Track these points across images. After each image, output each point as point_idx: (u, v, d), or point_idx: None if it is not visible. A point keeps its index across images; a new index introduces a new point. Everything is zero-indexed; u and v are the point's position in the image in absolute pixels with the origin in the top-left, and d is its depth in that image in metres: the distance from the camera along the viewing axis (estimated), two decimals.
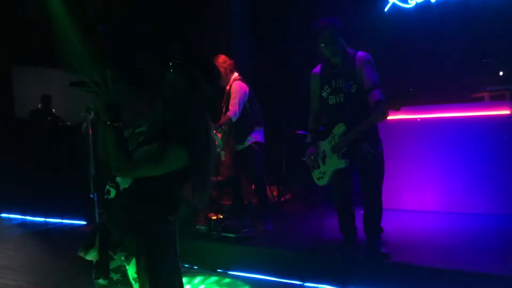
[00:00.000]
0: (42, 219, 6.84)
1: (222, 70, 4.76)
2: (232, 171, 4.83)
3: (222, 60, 4.79)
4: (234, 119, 4.69)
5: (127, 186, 1.91)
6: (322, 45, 3.58)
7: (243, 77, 4.88)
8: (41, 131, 8.24)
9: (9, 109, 8.66)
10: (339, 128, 3.57)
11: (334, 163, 3.65)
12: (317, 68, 3.84)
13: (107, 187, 1.96)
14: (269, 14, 7.14)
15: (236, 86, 4.76)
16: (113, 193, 1.94)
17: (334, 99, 3.67)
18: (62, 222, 6.63)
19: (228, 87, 4.85)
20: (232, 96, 4.72)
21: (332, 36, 3.54)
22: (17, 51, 8.08)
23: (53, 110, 8.57)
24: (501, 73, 5.63)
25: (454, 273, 3.29)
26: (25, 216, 7.08)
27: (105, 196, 1.97)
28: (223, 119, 4.70)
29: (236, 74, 4.88)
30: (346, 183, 3.79)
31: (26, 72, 9.01)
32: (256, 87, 5.06)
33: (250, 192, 5.27)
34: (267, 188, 5.33)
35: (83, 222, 6.33)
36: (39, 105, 8.50)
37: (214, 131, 4.86)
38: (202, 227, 4.70)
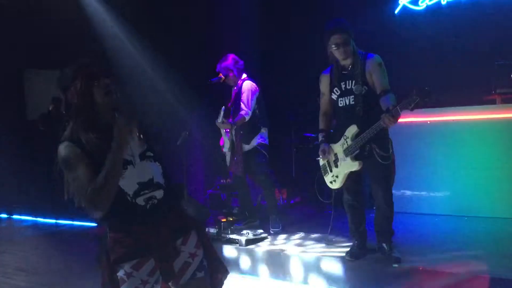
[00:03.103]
0: (53, 221, 6.89)
1: (232, 70, 4.77)
2: (240, 171, 4.83)
3: (233, 61, 4.79)
4: (247, 118, 4.71)
5: (164, 180, 2.06)
6: (334, 47, 3.56)
7: (252, 78, 4.89)
8: (52, 133, 8.28)
9: (21, 111, 8.73)
10: (352, 130, 3.55)
11: (347, 166, 3.63)
12: (327, 70, 3.82)
13: (146, 196, 1.99)
14: (278, 14, 7.14)
15: (248, 85, 4.77)
16: (159, 195, 2.02)
17: (344, 101, 3.66)
18: (73, 224, 6.67)
19: (236, 88, 4.85)
20: (244, 95, 4.73)
21: (345, 39, 3.52)
22: (29, 54, 8.14)
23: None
24: None
25: (465, 277, 3.26)
26: (37, 217, 7.15)
27: (148, 204, 1.99)
28: (239, 120, 4.70)
29: (245, 75, 4.88)
30: (357, 186, 3.77)
31: (38, 75, 9.07)
32: (264, 89, 5.06)
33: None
34: (276, 191, 5.32)
35: (94, 224, 6.37)
36: (50, 108, 8.56)
37: (226, 130, 4.88)
38: (212, 229, 4.71)
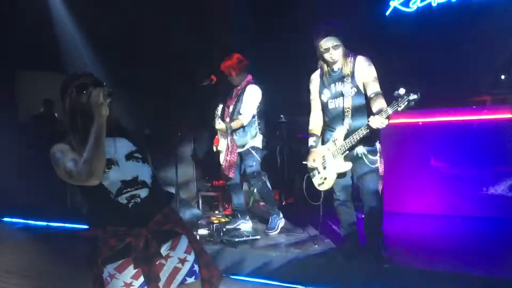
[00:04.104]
0: (44, 223, 6.85)
1: (235, 69, 4.75)
2: (233, 172, 4.83)
3: (237, 60, 4.77)
4: (245, 124, 4.70)
5: (151, 181, 2.07)
6: (324, 50, 3.57)
7: (256, 81, 4.86)
8: (43, 135, 8.25)
9: (12, 113, 8.68)
10: (341, 132, 3.56)
11: (336, 167, 3.64)
12: (317, 71, 3.83)
13: (128, 194, 2.00)
14: (268, 14, 7.14)
15: (254, 91, 4.74)
16: (143, 194, 2.02)
17: (333, 103, 3.67)
18: (64, 226, 6.64)
19: (239, 87, 4.82)
20: (247, 99, 4.71)
21: (334, 42, 3.54)
22: (21, 55, 8.10)
23: (56, 114, 8.59)
24: (503, 77, 5.63)
25: (456, 277, 3.28)
26: (27, 220, 7.10)
27: (130, 203, 2.00)
28: (237, 123, 4.70)
29: (249, 76, 4.86)
30: (347, 187, 3.78)
31: (29, 77, 9.03)
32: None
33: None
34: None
35: (85, 226, 6.34)
36: (41, 109, 8.53)
37: (223, 133, 4.88)
38: (204, 231, 4.70)
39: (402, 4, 6.63)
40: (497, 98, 5.47)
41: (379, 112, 3.25)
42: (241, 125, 4.70)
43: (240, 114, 4.71)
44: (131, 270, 1.99)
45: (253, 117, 4.76)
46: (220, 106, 4.82)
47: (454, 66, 5.92)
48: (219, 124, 4.80)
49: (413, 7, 6.57)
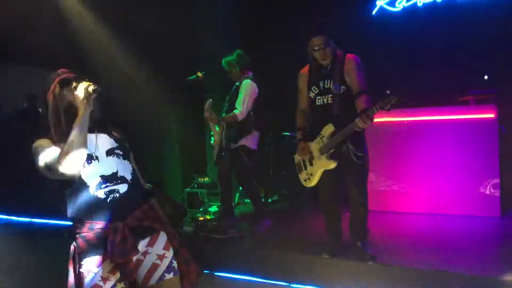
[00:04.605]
0: (27, 219, 6.77)
1: (235, 66, 4.76)
2: (225, 168, 4.82)
3: (238, 57, 4.77)
4: (239, 119, 4.67)
5: (131, 177, 2.09)
6: (315, 48, 3.60)
7: (255, 78, 4.85)
8: (25, 130, 8.14)
9: None
10: (328, 129, 3.58)
11: (322, 164, 3.66)
12: (305, 68, 3.85)
13: (107, 189, 2.01)
14: (257, 16, 7.14)
15: (248, 86, 4.71)
16: (123, 189, 2.04)
17: (321, 100, 3.69)
18: (47, 223, 6.56)
19: (238, 84, 4.81)
20: (242, 95, 4.68)
21: (324, 41, 3.57)
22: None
23: (40, 109, 8.48)
24: (486, 77, 5.71)
25: (438, 274, 3.32)
26: (10, 216, 7.00)
27: (109, 197, 2.01)
28: (230, 117, 4.68)
29: (250, 73, 4.84)
30: (333, 184, 3.79)
31: (7, 70, 8.87)
32: None
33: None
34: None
35: (69, 223, 6.27)
36: (25, 105, 8.41)
37: (214, 128, 4.86)
38: (189, 228, 4.69)
39: (388, 3, 6.68)
40: (479, 98, 5.54)
41: (364, 111, 3.29)
42: (235, 119, 4.66)
43: (236, 109, 4.68)
44: (108, 265, 2.00)
45: (250, 114, 4.73)
46: (210, 100, 4.77)
47: (438, 66, 5.98)
48: (210, 117, 4.72)
49: (399, 6, 6.62)
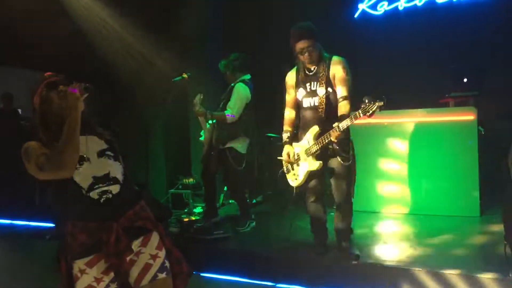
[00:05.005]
0: (8, 221, 6.67)
1: (229, 68, 4.80)
2: (213, 167, 4.83)
3: (232, 59, 4.82)
4: (229, 121, 4.69)
5: (122, 178, 2.11)
6: (299, 52, 3.63)
7: (251, 81, 4.87)
8: (4, 131, 8.00)
9: None
10: (314, 131, 3.62)
11: (308, 165, 3.70)
12: (293, 70, 3.88)
13: (100, 190, 2.02)
14: (241, 18, 7.15)
15: (239, 90, 4.74)
16: (115, 189, 2.05)
17: (308, 102, 3.73)
18: (29, 225, 6.48)
19: (233, 85, 4.82)
20: (233, 98, 4.71)
21: (310, 45, 3.59)
22: None
23: (19, 110, 8.35)
24: (465, 80, 5.81)
25: (421, 273, 3.40)
26: None
27: (102, 198, 2.03)
28: (220, 116, 4.69)
29: (247, 76, 4.87)
30: (318, 185, 3.84)
31: None
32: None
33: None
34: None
35: (52, 225, 6.20)
36: (1, 105, 8.28)
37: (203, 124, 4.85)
38: (174, 229, 4.69)
39: (370, 7, 6.77)
40: (459, 100, 5.66)
41: (343, 117, 3.36)
42: (223, 118, 4.68)
43: (227, 110, 4.69)
44: (101, 265, 2.01)
45: (241, 119, 4.74)
46: (200, 95, 4.75)
47: (419, 69, 6.07)
48: (199, 111, 4.68)
49: (380, 10, 6.71)
